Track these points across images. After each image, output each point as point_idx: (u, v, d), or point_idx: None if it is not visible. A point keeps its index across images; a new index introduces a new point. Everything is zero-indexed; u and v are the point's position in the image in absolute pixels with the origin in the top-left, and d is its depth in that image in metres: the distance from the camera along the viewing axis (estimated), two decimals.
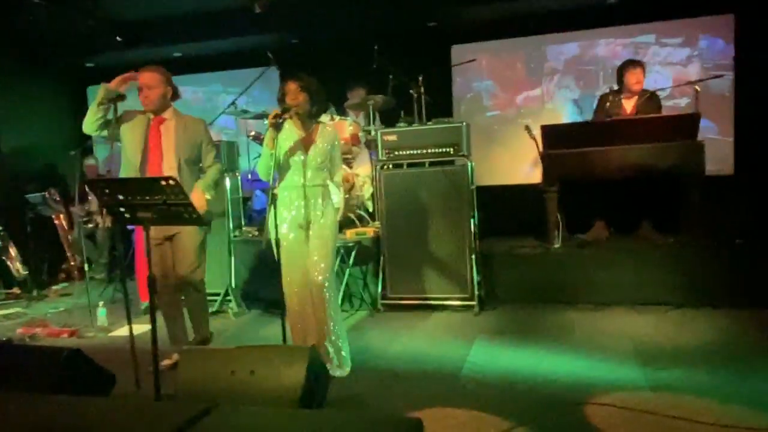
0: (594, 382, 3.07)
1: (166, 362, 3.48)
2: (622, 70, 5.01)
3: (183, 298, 3.70)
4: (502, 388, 3.09)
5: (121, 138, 3.55)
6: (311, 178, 3.34)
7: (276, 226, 3.26)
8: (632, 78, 4.92)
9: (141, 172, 3.49)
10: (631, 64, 4.98)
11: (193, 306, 3.72)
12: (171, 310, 3.69)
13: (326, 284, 3.31)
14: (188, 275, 3.57)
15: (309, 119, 3.37)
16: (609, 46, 6.12)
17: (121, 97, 3.51)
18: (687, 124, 4.49)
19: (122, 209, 2.70)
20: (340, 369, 3.35)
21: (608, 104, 5.03)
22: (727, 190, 5.34)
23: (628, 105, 5.02)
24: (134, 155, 3.50)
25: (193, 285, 3.63)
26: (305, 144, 3.35)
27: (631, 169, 4.55)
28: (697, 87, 4.63)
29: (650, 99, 4.93)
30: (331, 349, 3.34)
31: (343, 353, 3.39)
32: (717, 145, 5.67)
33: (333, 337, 3.35)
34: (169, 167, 3.50)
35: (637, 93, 4.96)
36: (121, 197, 2.65)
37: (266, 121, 3.31)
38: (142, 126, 3.53)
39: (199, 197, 3.45)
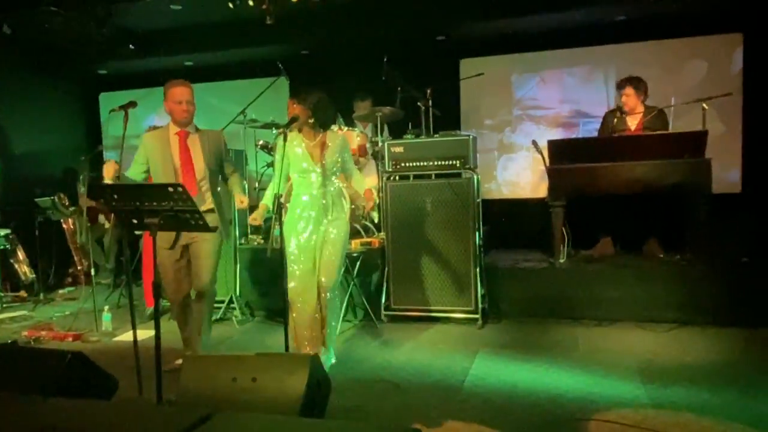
0: (596, 399, 3.05)
1: (178, 362, 3.58)
2: (617, 89, 5.05)
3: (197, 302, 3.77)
4: (504, 402, 3.08)
5: (150, 160, 3.66)
6: (322, 185, 3.50)
7: (281, 234, 3.37)
8: (623, 97, 4.97)
9: None
10: (623, 82, 4.98)
11: (204, 310, 3.76)
12: (182, 316, 3.78)
13: (333, 289, 3.52)
14: (207, 283, 3.66)
15: (315, 130, 3.52)
16: (617, 62, 6.13)
17: (133, 104, 3.56)
18: (694, 141, 4.48)
19: (131, 215, 2.73)
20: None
21: (615, 121, 5.04)
22: (733, 208, 5.32)
23: (633, 122, 5.02)
24: (166, 172, 3.60)
25: (207, 291, 3.69)
26: (317, 152, 3.50)
27: (638, 185, 4.54)
28: (705, 105, 4.63)
29: (657, 117, 4.92)
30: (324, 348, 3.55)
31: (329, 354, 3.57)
32: (725, 163, 5.66)
33: (327, 339, 3.56)
34: (201, 178, 3.66)
35: (632, 112, 4.96)
36: (129, 203, 2.68)
37: (274, 131, 3.43)
38: (167, 142, 3.65)
39: (244, 200, 3.71)
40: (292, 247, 3.51)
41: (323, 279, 3.50)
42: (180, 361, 3.59)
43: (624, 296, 4.48)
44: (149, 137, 3.74)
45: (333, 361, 3.60)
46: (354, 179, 3.75)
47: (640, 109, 4.98)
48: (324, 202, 3.52)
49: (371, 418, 2.95)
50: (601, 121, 5.27)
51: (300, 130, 3.53)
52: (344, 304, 4.61)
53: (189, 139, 3.66)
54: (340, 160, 3.56)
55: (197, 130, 3.74)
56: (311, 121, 3.47)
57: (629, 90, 4.93)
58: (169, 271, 3.65)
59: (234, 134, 6.00)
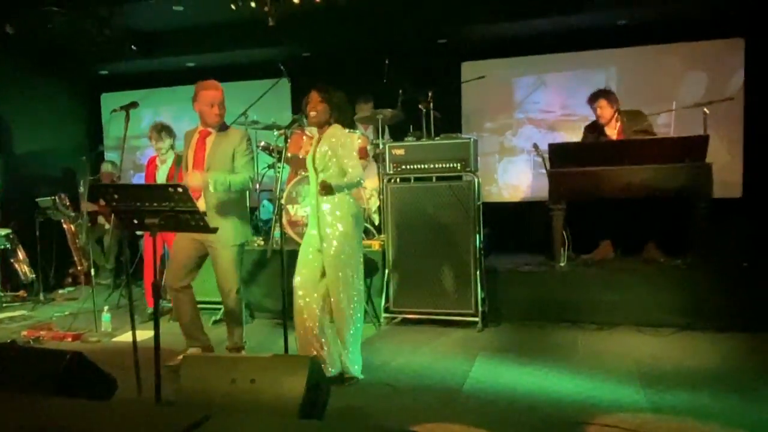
0: (596, 403, 3.05)
1: (179, 357, 3.56)
2: (589, 104, 5.01)
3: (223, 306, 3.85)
4: (503, 405, 3.08)
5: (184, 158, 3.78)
6: (315, 182, 3.39)
7: (281, 235, 3.34)
8: (597, 110, 4.95)
9: None
10: (595, 96, 4.95)
11: (228, 314, 3.81)
12: (178, 308, 3.79)
13: (343, 298, 3.40)
14: (225, 290, 3.71)
15: (326, 128, 3.44)
16: (619, 66, 6.13)
17: (134, 105, 3.57)
18: (695, 145, 4.49)
19: (131, 215, 2.73)
20: (348, 372, 3.43)
21: (594, 134, 5.03)
22: (734, 213, 5.32)
23: (612, 132, 5.00)
24: (186, 169, 3.69)
25: (230, 298, 3.73)
26: (313, 148, 3.45)
27: (639, 189, 4.54)
28: (706, 109, 4.63)
29: (634, 118, 4.89)
30: (343, 355, 3.44)
31: (349, 362, 3.44)
32: (726, 168, 5.65)
33: (345, 345, 3.44)
34: None
35: (607, 123, 4.94)
36: (130, 203, 2.69)
37: (276, 132, 3.38)
38: (193, 141, 3.70)
39: (196, 178, 3.45)
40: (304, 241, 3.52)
41: (333, 293, 3.41)
42: (181, 357, 3.61)
43: (624, 300, 4.47)
44: (188, 133, 3.82)
45: (356, 371, 3.47)
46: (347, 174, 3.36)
47: (615, 116, 4.95)
48: (316, 199, 3.39)
49: (370, 421, 2.94)
50: (582, 135, 5.26)
51: (321, 129, 3.43)
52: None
53: (208, 138, 3.68)
54: (330, 153, 3.32)
55: (222, 129, 3.70)
56: (332, 120, 3.40)
57: (603, 102, 4.91)
58: (177, 252, 3.69)
59: None
